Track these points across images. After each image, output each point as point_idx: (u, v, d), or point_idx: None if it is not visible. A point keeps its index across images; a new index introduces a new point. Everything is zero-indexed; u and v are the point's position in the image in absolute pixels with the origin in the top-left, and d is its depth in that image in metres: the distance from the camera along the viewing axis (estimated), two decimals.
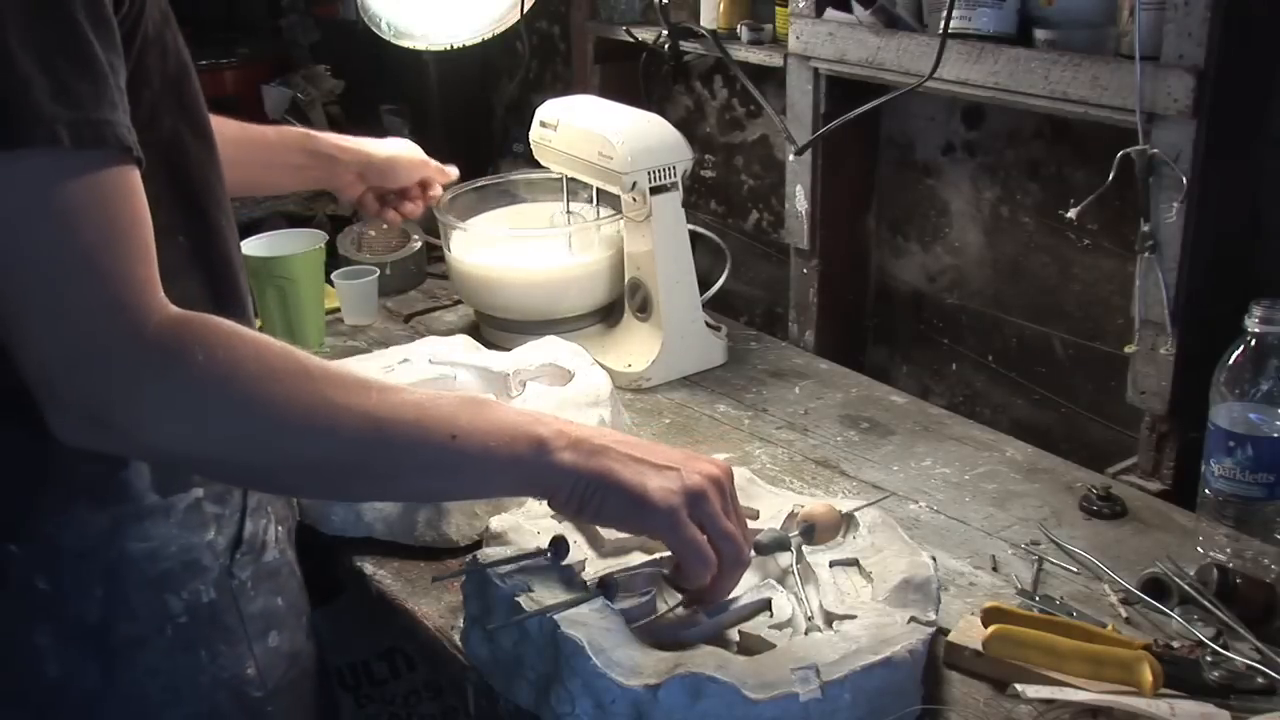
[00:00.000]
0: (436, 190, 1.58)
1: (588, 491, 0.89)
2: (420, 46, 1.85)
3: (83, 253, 0.73)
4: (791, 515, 1.11)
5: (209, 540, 0.94)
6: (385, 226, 1.84)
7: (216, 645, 0.95)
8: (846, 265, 1.76)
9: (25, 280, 0.73)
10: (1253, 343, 1.19)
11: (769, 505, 1.15)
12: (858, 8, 1.50)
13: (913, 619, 0.97)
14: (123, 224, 0.75)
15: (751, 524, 1.06)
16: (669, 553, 1.00)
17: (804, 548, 1.09)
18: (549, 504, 0.93)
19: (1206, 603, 1.04)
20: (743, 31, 1.77)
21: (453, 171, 1.60)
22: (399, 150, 1.53)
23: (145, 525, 0.90)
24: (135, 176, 0.76)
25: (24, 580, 0.88)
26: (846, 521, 1.11)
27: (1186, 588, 1.07)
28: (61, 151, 0.72)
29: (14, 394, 0.79)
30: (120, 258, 0.74)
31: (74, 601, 0.89)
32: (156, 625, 0.92)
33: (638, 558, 1.09)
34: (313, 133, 1.47)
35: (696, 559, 0.91)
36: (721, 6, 1.83)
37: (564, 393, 1.37)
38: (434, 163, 1.56)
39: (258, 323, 1.53)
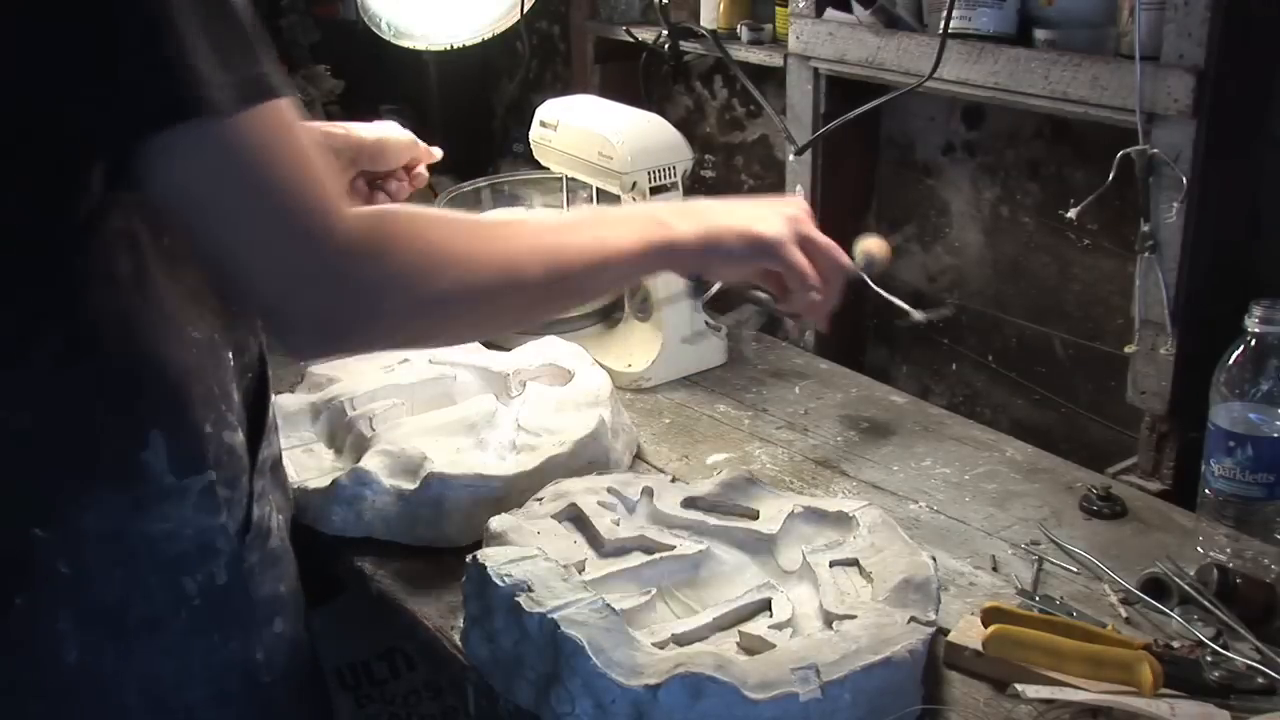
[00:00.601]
0: (423, 172, 1.52)
1: (709, 248, 1.03)
2: (420, 46, 1.85)
3: (281, 191, 0.80)
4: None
5: (221, 523, 0.94)
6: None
7: (229, 628, 0.96)
8: None
9: (232, 228, 0.80)
10: (1253, 343, 1.19)
11: (769, 505, 1.16)
12: (858, 8, 1.50)
13: (913, 619, 0.97)
14: (303, 156, 0.82)
15: None
16: (667, 549, 1.00)
17: (809, 550, 1.10)
18: (675, 271, 1.09)
19: (1206, 603, 1.04)
20: (743, 31, 1.77)
21: (437, 152, 1.57)
22: (387, 132, 1.49)
23: (164, 507, 0.91)
24: (295, 111, 0.83)
25: (47, 566, 0.88)
26: None
27: (1186, 588, 1.07)
28: (246, 107, 0.78)
29: (34, 375, 0.83)
30: (311, 184, 0.82)
31: (95, 585, 0.89)
32: (172, 608, 0.92)
33: (638, 558, 1.09)
34: None
35: (806, 276, 1.08)
36: (721, 6, 1.83)
37: (564, 393, 1.37)
38: (421, 144, 1.50)
39: None
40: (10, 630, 0.89)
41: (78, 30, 0.75)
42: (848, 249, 1.19)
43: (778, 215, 1.07)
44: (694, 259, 1.04)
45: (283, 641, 1.00)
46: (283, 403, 1.34)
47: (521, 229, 0.95)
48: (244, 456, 0.97)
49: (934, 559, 1.05)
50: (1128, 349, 1.35)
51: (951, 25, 1.36)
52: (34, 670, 0.90)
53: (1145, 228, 1.28)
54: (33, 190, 0.83)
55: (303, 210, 0.81)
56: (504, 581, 0.99)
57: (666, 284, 1.56)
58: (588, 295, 1.05)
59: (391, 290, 0.84)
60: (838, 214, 1.71)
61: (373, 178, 1.47)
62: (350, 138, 1.41)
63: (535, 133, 1.67)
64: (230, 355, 0.96)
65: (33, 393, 0.85)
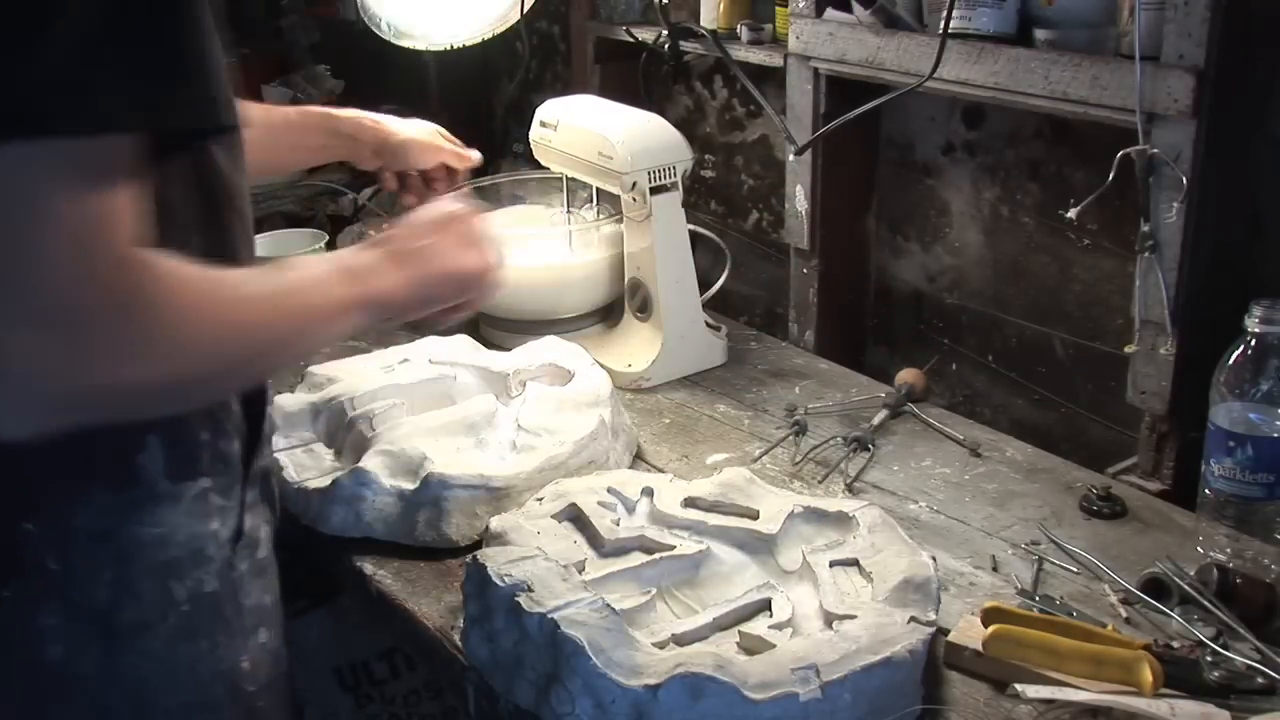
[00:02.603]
0: (460, 177, 1.58)
1: (422, 292, 1.01)
2: (420, 46, 1.85)
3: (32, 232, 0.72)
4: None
5: (214, 530, 0.94)
6: (385, 226, 1.84)
7: (216, 636, 0.96)
8: (846, 265, 1.76)
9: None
10: (1253, 343, 1.19)
11: (769, 505, 1.16)
12: (858, 8, 1.50)
13: (913, 619, 0.97)
14: (117, 193, 0.74)
15: None
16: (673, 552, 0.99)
17: (809, 550, 1.10)
18: (392, 320, 1.03)
19: (1206, 603, 1.04)
20: (743, 31, 1.77)
21: (473, 155, 1.59)
22: (416, 133, 1.53)
23: (157, 511, 0.91)
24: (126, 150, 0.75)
25: (36, 561, 0.88)
26: None
27: (1186, 588, 1.07)
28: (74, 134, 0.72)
29: None
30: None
31: (84, 583, 0.89)
32: (160, 612, 0.92)
33: (638, 558, 1.09)
34: (333, 111, 1.50)
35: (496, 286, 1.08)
36: (721, 6, 1.83)
37: (564, 393, 1.37)
38: (450, 147, 1.56)
39: None
40: None
41: None
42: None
43: (467, 238, 1.06)
44: (404, 308, 1.01)
45: (266, 652, 1.00)
46: (283, 403, 1.34)
47: (257, 301, 0.86)
48: (238, 466, 0.97)
49: (934, 559, 1.05)
50: (1128, 349, 1.35)
51: (951, 25, 1.36)
52: (17, 666, 0.90)
53: (1145, 228, 1.28)
54: None
55: (97, 244, 0.72)
56: (504, 581, 0.99)
57: (668, 286, 1.56)
58: (297, 360, 1.13)
59: (148, 337, 0.76)
60: (838, 214, 1.72)
61: (404, 174, 1.54)
62: (379, 130, 1.52)
63: (535, 133, 1.67)
64: None
65: None
